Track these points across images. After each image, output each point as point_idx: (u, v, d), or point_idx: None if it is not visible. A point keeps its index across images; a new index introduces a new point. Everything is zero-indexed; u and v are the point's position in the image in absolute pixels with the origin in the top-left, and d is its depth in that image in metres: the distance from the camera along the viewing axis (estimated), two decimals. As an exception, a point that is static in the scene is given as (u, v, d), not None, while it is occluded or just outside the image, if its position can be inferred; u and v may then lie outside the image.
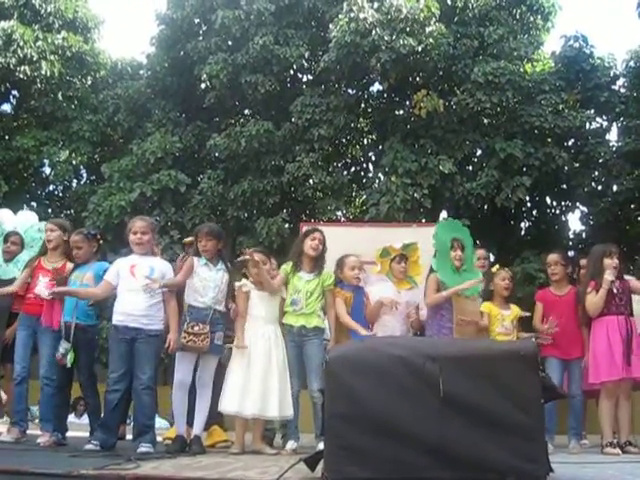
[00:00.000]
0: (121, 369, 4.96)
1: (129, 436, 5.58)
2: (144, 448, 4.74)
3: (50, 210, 15.14)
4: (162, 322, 5.06)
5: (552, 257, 6.20)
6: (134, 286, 5.03)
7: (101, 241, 5.63)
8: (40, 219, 6.58)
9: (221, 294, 5.26)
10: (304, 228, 6.56)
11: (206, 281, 5.23)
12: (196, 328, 5.07)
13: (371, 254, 6.10)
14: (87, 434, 5.46)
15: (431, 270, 5.64)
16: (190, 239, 5.90)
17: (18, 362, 5.54)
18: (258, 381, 5.08)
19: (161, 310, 5.08)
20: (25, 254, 5.93)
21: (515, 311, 5.92)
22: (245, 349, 5.16)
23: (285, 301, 5.48)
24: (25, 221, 6.20)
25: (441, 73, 13.71)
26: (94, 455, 4.49)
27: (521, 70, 13.29)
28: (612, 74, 13.89)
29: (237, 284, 5.39)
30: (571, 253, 6.44)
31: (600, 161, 13.17)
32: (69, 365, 5.20)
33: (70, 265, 5.61)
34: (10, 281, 5.84)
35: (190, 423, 5.26)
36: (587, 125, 13.42)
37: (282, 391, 5.13)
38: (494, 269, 6.12)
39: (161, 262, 5.31)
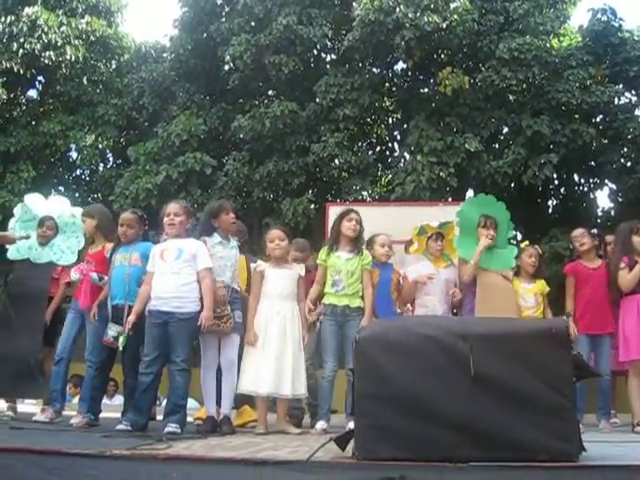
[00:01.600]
0: (154, 353, 4.98)
1: (159, 417, 5.64)
2: (171, 428, 4.76)
3: (77, 194, 15.26)
4: (195, 303, 5.02)
5: (578, 230, 6.15)
6: (163, 269, 5.05)
7: (147, 227, 5.64)
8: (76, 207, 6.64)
9: (236, 272, 5.28)
10: (331, 208, 6.57)
11: (223, 260, 5.24)
12: (218, 310, 5.09)
13: (397, 233, 6.09)
14: (118, 415, 5.53)
15: None
16: None
17: (61, 342, 5.65)
18: (273, 359, 5.09)
19: (194, 291, 5.03)
20: (59, 239, 6.00)
21: (539, 285, 5.86)
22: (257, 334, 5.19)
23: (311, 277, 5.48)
24: (57, 206, 6.26)
25: (466, 50, 13.56)
26: (126, 435, 4.55)
27: (547, 45, 13.07)
28: (642, 48, 13.61)
29: (252, 265, 5.39)
30: (594, 231, 6.34)
31: (629, 137, 12.93)
32: (121, 348, 5.22)
33: (109, 246, 5.65)
34: (44, 265, 5.94)
35: (219, 403, 5.30)
36: (616, 100, 13.17)
37: (296, 369, 5.14)
38: (523, 245, 6.09)
39: (191, 242, 5.22)
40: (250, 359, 5.14)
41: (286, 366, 5.10)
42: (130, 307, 5.22)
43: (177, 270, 5.02)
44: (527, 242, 6.31)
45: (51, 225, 6.01)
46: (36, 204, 6.19)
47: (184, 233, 5.26)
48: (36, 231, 6.02)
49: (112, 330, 5.24)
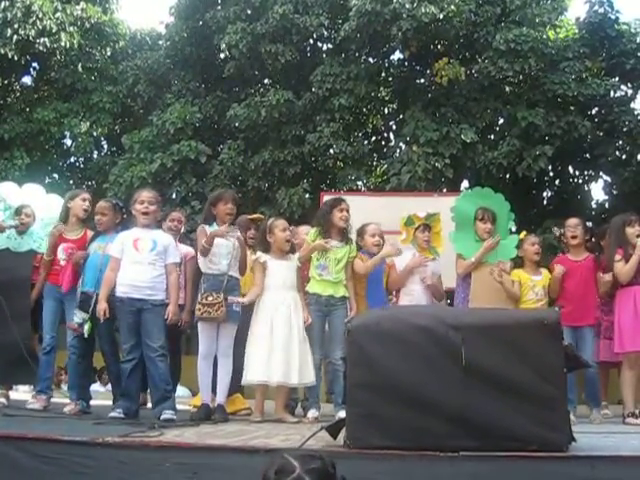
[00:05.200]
0: (132, 340, 5.03)
1: (150, 404, 5.65)
2: (167, 415, 4.80)
3: (71, 182, 15.22)
4: (165, 292, 5.09)
5: (574, 220, 6.13)
6: (138, 259, 5.07)
7: (125, 216, 5.63)
8: (62, 191, 6.62)
9: (234, 260, 5.28)
10: (325, 198, 6.54)
11: (218, 248, 5.25)
12: (210, 298, 5.11)
13: (391, 223, 6.09)
14: (112, 402, 5.54)
15: None
16: (258, 216, 5.92)
17: (47, 332, 5.61)
18: (281, 349, 5.11)
19: (164, 282, 5.12)
20: (37, 226, 5.98)
21: (546, 276, 5.88)
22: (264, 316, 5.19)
23: (307, 268, 5.47)
24: (33, 194, 6.24)
25: (462, 41, 13.51)
26: (118, 423, 4.57)
27: (544, 37, 13.02)
28: (638, 41, 13.57)
29: (253, 257, 5.40)
30: (589, 224, 6.38)
31: (624, 130, 12.91)
32: (86, 335, 5.26)
33: (90, 233, 5.67)
34: (26, 253, 5.92)
35: (214, 391, 5.32)
36: (611, 93, 13.17)
37: (303, 358, 5.16)
38: (521, 235, 6.10)
39: (163, 235, 5.34)
40: (257, 350, 5.15)
41: (293, 355, 5.13)
42: (97, 294, 5.22)
43: (152, 261, 5.09)
44: (525, 232, 6.31)
45: (28, 212, 5.99)
46: (10, 193, 6.16)
47: (154, 223, 5.33)
48: (13, 219, 5.99)
49: (77, 317, 5.26)
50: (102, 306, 5.03)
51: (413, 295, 5.68)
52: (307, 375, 5.19)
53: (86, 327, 5.21)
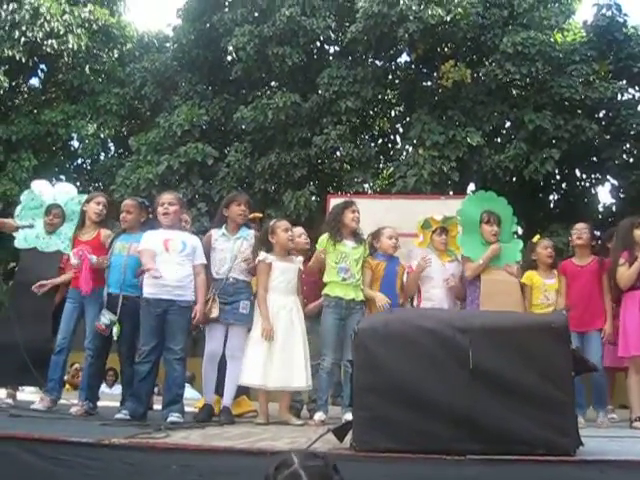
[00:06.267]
0: (152, 342, 5.01)
1: (157, 406, 5.65)
2: (174, 417, 4.80)
3: (79, 183, 15.22)
4: (193, 294, 5.10)
5: (581, 224, 6.14)
6: (168, 259, 5.08)
7: (150, 215, 5.63)
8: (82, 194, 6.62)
9: (240, 262, 5.28)
10: (332, 200, 6.54)
11: (223, 252, 5.30)
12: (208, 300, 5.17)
13: (398, 226, 6.08)
14: (117, 404, 5.54)
15: None
16: (256, 215, 5.93)
17: (60, 332, 5.60)
18: (280, 353, 5.08)
19: (192, 283, 5.14)
20: (66, 227, 5.99)
21: (558, 280, 5.87)
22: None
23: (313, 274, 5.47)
24: (64, 193, 6.24)
25: (469, 43, 13.51)
26: (124, 424, 4.56)
27: (551, 40, 12.99)
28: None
29: (258, 258, 5.37)
30: (597, 232, 6.40)
31: (632, 133, 12.86)
32: (115, 338, 5.25)
33: (105, 232, 5.66)
34: (53, 253, 5.93)
35: (220, 394, 5.31)
36: (619, 96, 13.11)
37: (305, 361, 5.15)
38: (535, 239, 6.09)
39: (191, 237, 5.35)
40: (255, 353, 5.12)
41: (296, 359, 5.10)
42: (124, 297, 5.23)
43: (181, 262, 5.11)
44: (538, 236, 6.31)
45: (58, 213, 6.00)
46: (43, 191, 6.17)
47: (178, 223, 5.34)
48: (43, 219, 6.00)
49: (105, 317, 5.22)
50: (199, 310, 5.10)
51: (434, 300, 5.66)
52: (307, 378, 5.16)
53: (115, 330, 5.20)
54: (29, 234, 5.96)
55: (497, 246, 5.63)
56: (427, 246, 5.84)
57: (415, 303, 5.95)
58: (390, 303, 5.39)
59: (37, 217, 6.01)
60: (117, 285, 5.32)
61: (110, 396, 6.92)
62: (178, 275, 5.06)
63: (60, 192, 6.23)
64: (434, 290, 5.71)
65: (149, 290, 5.05)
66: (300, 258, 5.47)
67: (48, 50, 14.06)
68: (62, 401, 5.76)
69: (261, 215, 6.22)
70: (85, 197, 6.06)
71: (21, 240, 6.01)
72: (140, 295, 5.18)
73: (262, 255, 5.29)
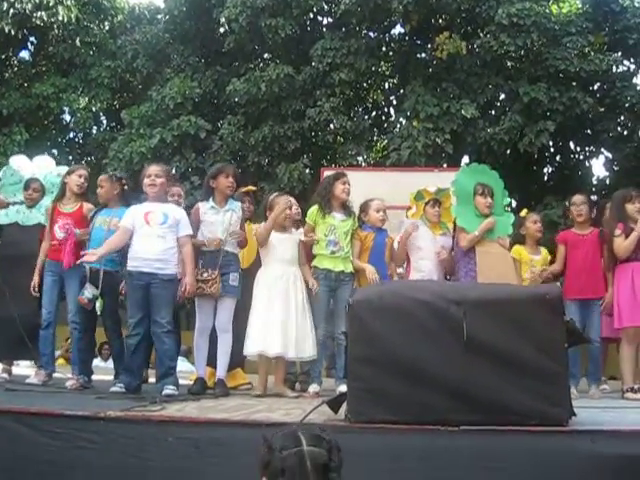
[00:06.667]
0: (138, 314, 5.01)
1: (152, 379, 5.68)
2: (169, 390, 4.81)
3: (71, 157, 15.15)
4: (176, 266, 5.07)
5: (579, 197, 6.13)
6: (148, 232, 5.05)
7: (125, 186, 5.62)
8: (61, 166, 6.59)
9: (229, 235, 5.27)
10: (325, 173, 6.52)
11: (213, 225, 5.26)
12: (205, 275, 5.12)
13: (392, 198, 6.08)
14: (112, 377, 5.57)
15: None
16: (249, 188, 5.91)
17: (45, 307, 5.60)
18: (278, 322, 5.11)
19: (175, 255, 5.09)
20: (46, 200, 5.97)
21: (544, 255, 5.88)
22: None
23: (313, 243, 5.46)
24: (43, 167, 6.22)
25: (464, 15, 13.38)
26: (120, 397, 4.58)
27: (547, 11, 12.89)
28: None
29: (254, 226, 5.38)
30: (594, 197, 6.41)
31: (627, 105, 12.85)
32: (99, 312, 5.27)
33: (87, 206, 5.67)
34: (34, 226, 5.91)
35: (214, 366, 5.34)
36: (614, 68, 13.07)
37: (302, 332, 5.16)
38: (523, 213, 6.09)
39: (175, 208, 5.30)
40: (256, 323, 5.16)
41: (291, 330, 5.13)
42: (105, 272, 5.23)
43: (162, 234, 5.05)
44: (526, 210, 6.31)
45: (37, 187, 6.00)
46: (21, 166, 6.15)
47: (164, 196, 5.31)
48: (22, 194, 5.99)
49: (88, 291, 5.22)
50: (92, 258, 5.02)
51: (424, 271, 5.66)
52: (306, 350, 5.19)
53: (98, 304, 5.21)
54: (10, 209, 5.95)
55: (493, 219, 5.63)
56: (420, 218, 5.84)
57: (404, 273, 5.94)
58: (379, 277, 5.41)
59: (17, 192, 5.99)
60: (97, 259, 5.30)
61: (105, 370, 6.94)
62: (158, 248, 5.01)
63: (39, 166, 6.22)
64: (423, 261, 5.72)
65: (131, 263, 5.04)
66: (300, 230, 5.48)
67: (38, 22, 13.86)
68: (57, 375, 5.78)
69: (255, 188, 6.19)
70: (64, 169, 6.07)
71: (2, 215, 5.99)
72: (117, 269, 5.28)
73: (257, 226, 5.34)
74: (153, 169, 5.29)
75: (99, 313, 5.29)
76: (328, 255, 5.41)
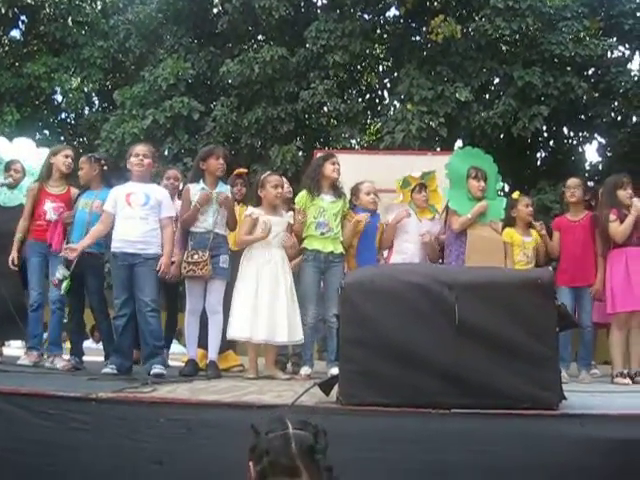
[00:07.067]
0: (124, 295, 5.01)
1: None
2: (157, 369, 4.81)
3: (63, 138, 15.07)
4: (159, 247, 5.06)
5: (574, 180, 6.13)
6: (130, 214, 5.03)
7: (105, 167, 5.58)
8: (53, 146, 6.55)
9: (221, 217, 5.26)
10: (318, 155, 6.50)
11: (204, 207, 5.23)
12: (195, 257, 5.10)
13: (385, 182, 6.07)
14: (103, 359, 5.57)
15: None
16: (241, 170, 5.88)
17: (33, 288, 5.59)
18: (266, 307, 5.08)
19: (158, 237, 5.08)
20: (27, 180, 5.98)
21: (535, 236, 5.89)
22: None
23: (303, 225, 5.44)
24: (23, 148, 6.20)
25: (460, -2, 13.34)
26: (111, 379, 4.58)
27: (542, -5, 12.88)
28: (638, 0, 13.42)
29: (245, 212, 5.36)
30: (590, 183, 6.43)
31: (621, 91, 12.84)
32: (63, 292, 5.24)
33: (74, 190, 5.67)
34: (17, 207, 5.90)
35: (204, 348, 5.34)
36: (609, 54, 13.07)
37: (291, 316, 5.14)
38: (515, 195, 6.09)
39: (157, 189, 5.29)
40: (242, 305, 5.12)
41: (280, 313, 5.10)
42: (89, 254, 5.21)
43: (144, 216, 5.04)
44: (518, 192, 6.31)
45: (18, 168, 6.00)
46: (1, 148, 6.11)
47: (147, 176, 5.28)
48: (3, 175, 5.97)
49: (59, 272, 5.22)
50: (74, 249, 5.04)
51: (406, 254, 5.67)
52: (295, 333, 5.18)
53: (64, 284, 5.19)
54: None
55: (485, 203, 5.63)
56: (407, 204, 5.84)
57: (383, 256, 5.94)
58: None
59: None
60: (79, 240, 5.27)
61: (97, 351, 6.94)
62: (140, 230, 5.00)
63: (18, 147, 6.19)
64: (407, 244, 5.72)
65: (115, 244, 5.04)
66: (290, 213, 5.46)
67: (29, 1, 13.76)
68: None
69: (246, 170, 6.16)
70: (45, 151, 6.06)
71: None
72: (102, 251, 5.29)
73: (249, 210, 5.31)
74: (140, 149, 5.26)
75: (62, 293, 5.25)
76: (318, 236, 5.40)
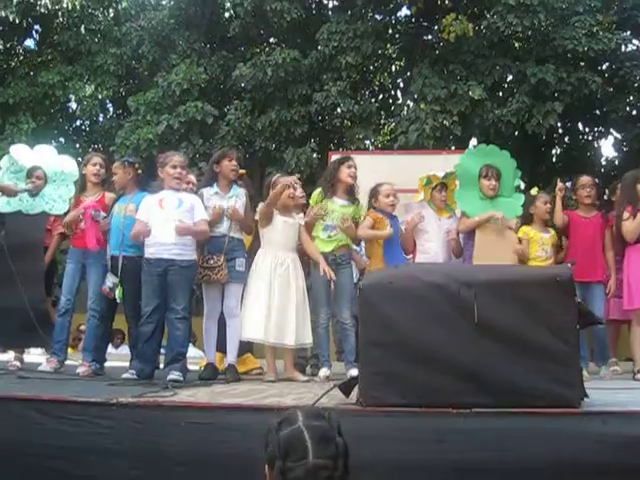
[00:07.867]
0: (154, 302, 5.02)
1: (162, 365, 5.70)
2: (173, 375, 4.82)
3: (78, 145, 15.16)
4: (194, 252, 5.09)
5: (588, 179, 6.10)
6: (164, 217, 5.06)
7: (139, 170, 5.62)
8: (69, 155, 6.59)
9: (235, 221, 5.26)
10: (333, 157, 6.50)
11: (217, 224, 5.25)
12: (211, 261, 5.14)
13: (401, 182, 6.05)
14: (123, 364, 5.58)
15: None
16: (241, 171, 5.91)
17: (64, 294, 5.64)
18: (277, 309, 5.09)
19: (193, 242, 5.12)
20: (49, 187, 5.98)
21: (554, 233, 5.86)
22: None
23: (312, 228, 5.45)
24: (44, 154, 6.22)
25: (470, -4, 13.29)
26: (131, 384, 4.60)
27: (554, -10, 12.79)
28: (651, -7, 13.31)
29: (258, 208, 5.38)
30: (596, 180, 6.39)
31: (635, 85, 12.73)
32: (118, 300, 5.29)
33: (109, 195, 5.70)
34: (38, 215, 5.93)
35: (223, 352, 5.35)
36: (623, 48, 12.92)
37: (300, 319, 5.16)
38: (534, 191, 6.06)
39: (188, 195, 5.30)
40: (255, 307, 5.14)
41: (290, 317, 5.11)
42: (124, 257, 5.25)
43: (178, 218, 5.05)
44: (536, 188, 6.27)
45: (40, 175, 5.98)
46: (22, 155, 6.14)
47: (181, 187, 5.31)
48: (25, 182, 5.98)
49: (109, 280, 5.29)
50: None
51: (429, 253, 5.66)
52: (304, 336, 5.19)
53: (117, 292, 5.25)
54: (12, 198, 5.94)
55: (500, 214, 5.56)
56: (427, 203, 5.82)
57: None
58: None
59: (19, 181, 5.98)
60: (117, 247, 5.36)
61: (117, 356, 6.98)
62: (175, 233, 5.02)
63: (40, 154, 6.21)
64: (429, 244, 5.71)
65: (149, 250, 5.06)
66: (301, 215, 5.46)
67: (42, 10, 13.83)
68: (68, 362, 5.81)
69: (244, 172, 6.13)
70: (66, 158, 6.17)
71: (4, 204, 5.97)
72: (140, 255, 5.21)
73: (261, 206, 5.32)
74: (178, 160, 5.28)
75: (118, 300, 5.31)
76: (325, 239, 5.41)
